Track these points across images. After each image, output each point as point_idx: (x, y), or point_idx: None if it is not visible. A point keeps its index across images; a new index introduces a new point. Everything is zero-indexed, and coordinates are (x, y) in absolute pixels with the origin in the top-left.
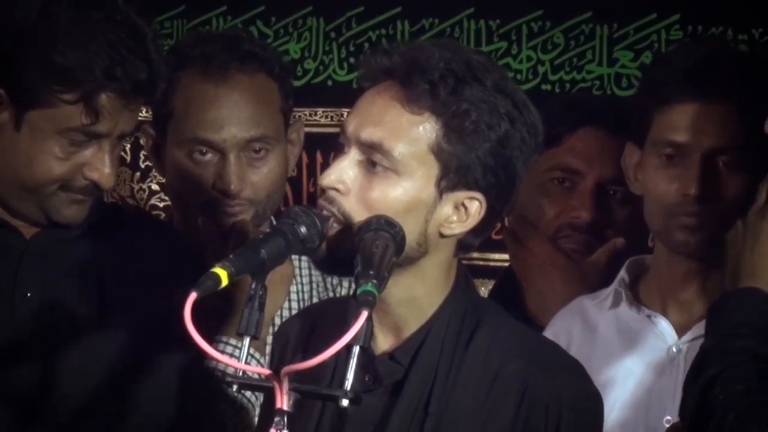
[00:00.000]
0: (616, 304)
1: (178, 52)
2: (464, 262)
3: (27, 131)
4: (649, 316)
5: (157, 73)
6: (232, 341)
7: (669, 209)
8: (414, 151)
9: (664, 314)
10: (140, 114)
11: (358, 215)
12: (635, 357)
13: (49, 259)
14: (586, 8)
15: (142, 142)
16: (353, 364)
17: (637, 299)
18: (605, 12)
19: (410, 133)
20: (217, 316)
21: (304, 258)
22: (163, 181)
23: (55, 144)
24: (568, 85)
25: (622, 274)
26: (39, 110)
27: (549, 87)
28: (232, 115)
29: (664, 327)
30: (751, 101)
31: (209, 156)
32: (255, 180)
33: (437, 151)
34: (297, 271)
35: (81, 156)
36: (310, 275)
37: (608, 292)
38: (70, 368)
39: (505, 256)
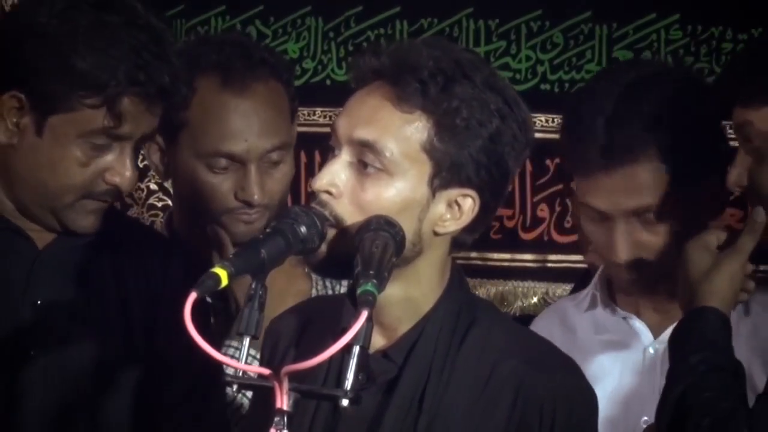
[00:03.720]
0: (592, 305)
1: (189, 60)
2: (463, 262)
3: (49, 136)
4: (624, 318)
5: (178, 76)
6: (234, 344)
7: (607, 264)
8: (406, 150)
9: (639, 316)
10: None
11: (352, 218)
12: (613, 358)
13: (60, 268)
14: (585, 8)
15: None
16: (354, 364)
17: (612, 300)
18: (604, 12)
19: (402, 132)
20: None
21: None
22: (161, 181)
23: (77, 148)
24: (567, 85)
25: (598, 276)
26: (61, 115)
27: (548, 87)
28: (252, 126)
29: (640, 328)
30: (672, 155)
31: (229, 166)
32: (271, 186)
33: (429, 150)
34: (314, 286)
35: (102, 161)
36: (327, 289)
37: (585, 293)
38: (76, 376)
39: (504, 256)
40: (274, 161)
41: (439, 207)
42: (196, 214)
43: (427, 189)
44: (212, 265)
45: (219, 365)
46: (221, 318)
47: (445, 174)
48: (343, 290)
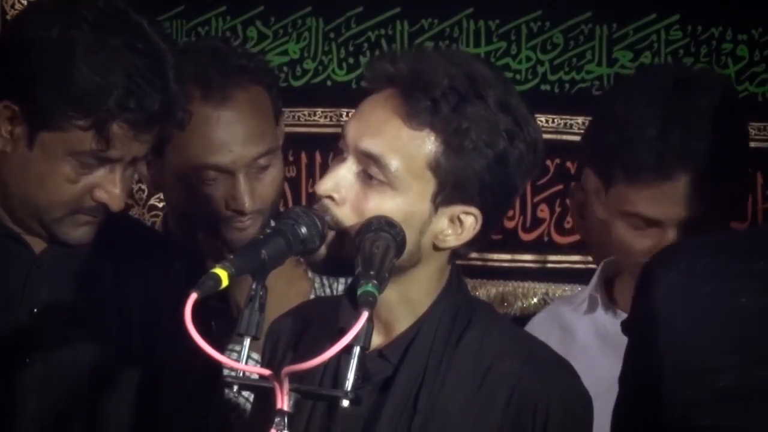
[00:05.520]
0: (592, 308)
1: None
2: (463, 262)
3: (39, 150)
4: None
5: (173, 102)
6: (237, 348)
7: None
8: (411, 166)
9: None
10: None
11: (351, 224)
12: (616, 362)
13: (58, 274)
14: (585, 8)
15: None
16: (354, 364)
17: (613, 302)
18: (605, 12)
19: (409, 149)
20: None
21: (324, 277)
22: (152, 191)
23: (66, 165)
24: (567, 86)
25: (597, 277)
26: (51, 132)
27: (548, 87)
28: (237, 136)
29: None
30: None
31: (217, 177)
32: (261, 192)
33: (435, 167)
34: (314, 288)
35: (92, 177)
36: (324, 286)
37: (584, 296)
38: (73, 383)
39: (505, 257)
40: (262, 166)
41: (441, 222)
42: (189, 224)
43: (429, 205)
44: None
45: (219, 370)
46: (220, 321)
47: (449, 191)
48: (342, 285)
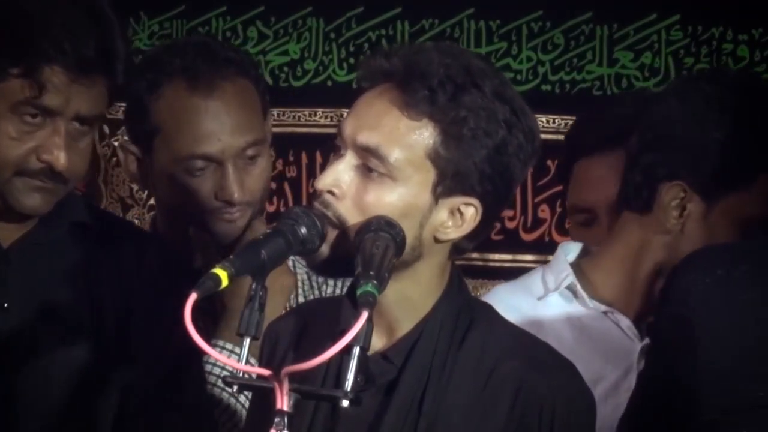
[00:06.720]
0: (569, 298)
1: (153, 67)
2: (463, 262)
3: None
4: (605, 313)
5: (112, 53)
6: (228, 346)
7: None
8: (410, 157)
9: (625, 311)
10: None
11: (353, 219)
12: (597, 357)
13: (28, 269)
14: (586, 8)
15: (118, 158)
16: (353, 364)
17: (594, 291)
18: (605, 12)
19: (407, 139)
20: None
21: (307, 270)
22: (141, 190)
23: (9, 123)
24: (568, 86)
25: (570, 262)
26: None
27: (549, 87)
28: (225, 126)
29: (628, 326)
30: None
31: (206, 167)
32: (250, 184)
33: (434, 158)
34: (299, 283)
35: (35, 137)
36: (313, 288)
37: (553, 283)
38: (49, 377)
39: (506, 257)
40: (250, 157)
41: (441, 214)
42: (178, 218)
43: (429, 196)
44: (192, 262)
45: (195, 355)
46: (206, 319)
47: (449, 182)
48: (330, 287)
